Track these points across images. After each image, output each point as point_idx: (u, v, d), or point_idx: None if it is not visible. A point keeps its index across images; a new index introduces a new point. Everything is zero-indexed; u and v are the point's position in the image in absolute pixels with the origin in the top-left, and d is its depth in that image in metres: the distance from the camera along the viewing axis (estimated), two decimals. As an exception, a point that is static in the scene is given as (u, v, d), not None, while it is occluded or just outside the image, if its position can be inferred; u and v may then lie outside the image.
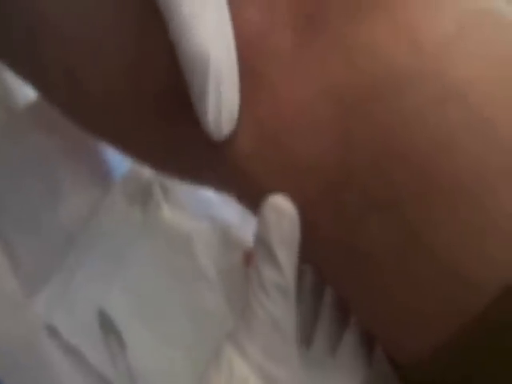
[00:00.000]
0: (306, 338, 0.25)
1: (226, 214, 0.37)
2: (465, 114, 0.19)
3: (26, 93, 0.39)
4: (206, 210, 0.37)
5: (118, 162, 0.39)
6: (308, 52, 0.22)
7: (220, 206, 0.37)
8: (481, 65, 0.20)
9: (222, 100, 0.21)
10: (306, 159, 0.21)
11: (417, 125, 0.20)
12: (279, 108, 0.22)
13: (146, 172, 0.38)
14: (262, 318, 0.22)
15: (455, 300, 0.19)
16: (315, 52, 0.22)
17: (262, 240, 0.22)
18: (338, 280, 0.23)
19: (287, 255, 0.21)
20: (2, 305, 0.33)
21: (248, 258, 0.35)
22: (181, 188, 0.38)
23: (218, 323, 0.33)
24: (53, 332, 0.34)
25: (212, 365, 0.22)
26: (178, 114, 0.25)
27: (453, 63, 0.20)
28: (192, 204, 0.37)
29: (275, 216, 0.21)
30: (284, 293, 0.22)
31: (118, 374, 0.32)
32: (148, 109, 0.25)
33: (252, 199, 0.24)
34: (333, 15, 0.22)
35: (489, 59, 0.20)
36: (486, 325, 0.19)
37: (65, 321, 0.34)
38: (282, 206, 0.21)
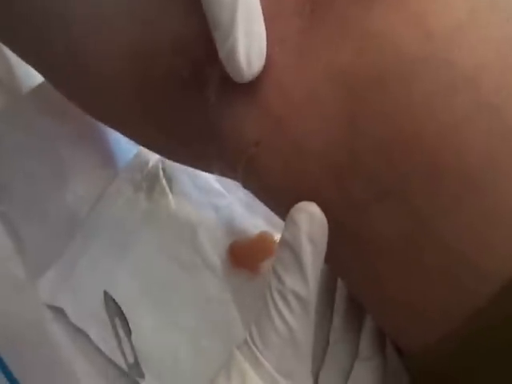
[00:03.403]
0: (315, 368, 0.24)
1: (231, 204, 0.37)
2: (474, 102, 0.19)
3: (30, 77, 0.38)
4: (210, 200, 0.37)
5: (124, 148, 0.39)
6: (314, 37, 0.22)
7: (224, 196, 0.37)
8: (491, 52, 0.19)
9: (251, 33, 0.20)
10: (312, 144, 0.21)
11: (424, 113, 0.19)
12: (285, 93, 0.22)
13: (152, 160, 0.38)
14: (279, 329, 0.21)
15: (463, 289, 0.19)
16: (322, 37, 0.21)
17: (289, 245, 0.20)
18: (345, 271, 0.23)
19: (313, 264, 0.20)
20: (7, 287, 0.33)
21: (232, 253, 0.35)
22: (185, 177, 0.38)
23: (221, 311, 0.34)
24: (59, 314, 0.34)
25: (222, 373, 0.21)
26: (184, 97, 0.25)
27: (463, 50, 0.19)
28: (196, 193, 0.37)
29: (306, 220, 0.20)
30: (305, 305, 0.21)
31: (124, 357, 0.32)
32: (154, 89, 0.25)
33: (257, 186, 0.24)
34: (339, 0, 0.21)
35: (499, 46, 0.20)
36: (492, 315, 0.19)
37: (70, 303, 0.34)
38: (313, 211, 0.20)
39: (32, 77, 0.39)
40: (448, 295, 0.20)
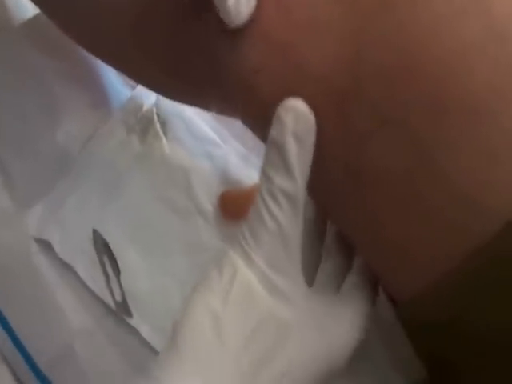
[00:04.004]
0: (308, 276, 0.24)
1: (226, 155, 0.36)
2: (484, 27, 0.18)
3: (21, 9, 0.37)
4: (204, 148, 0.36)
5: (118, 90, 0.38)
6: None
7: (220, 146, 0.37)
8: None
9: None
10: (314, 69, 0.21)
11: (429, 37, 0.19)
12: (289, 17, 0.21)
13: (146, 104, 0.37)
14: (269, 226, 0.21)
15: (464, 227, 0.19)
16: None
17: (275, 143, 0.21)
18: (341, 212, 0.23)
19: (300, 160, 0.21)
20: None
21: (222, 202, 0.34)
22: (180, 123, 0.37)
23: (212, 257, 0.33)
24: (46, 248, 0.34)
25: (214, 268, 0.22)
26: (185, 26, 0.24)
27: None
28: (191, 140, 0.37)
29: (292, 117, 0.20)
30: (293, 202, 0.21)
31: (112, 295, 0.32)
32: (155, 19, 0.24)
33: (257, 116, 0.23)
34: None
35: None
36: (490, 257, 0.18)
37: (58, 237, 0.34)
38: (299, 108, 0.20)
39: (23, 8, 0.37)
40: (448, 233, 0.19)
